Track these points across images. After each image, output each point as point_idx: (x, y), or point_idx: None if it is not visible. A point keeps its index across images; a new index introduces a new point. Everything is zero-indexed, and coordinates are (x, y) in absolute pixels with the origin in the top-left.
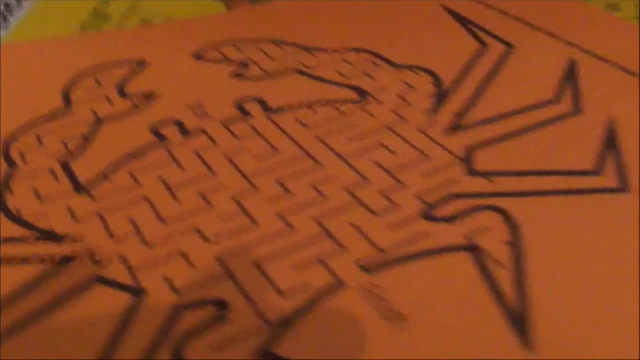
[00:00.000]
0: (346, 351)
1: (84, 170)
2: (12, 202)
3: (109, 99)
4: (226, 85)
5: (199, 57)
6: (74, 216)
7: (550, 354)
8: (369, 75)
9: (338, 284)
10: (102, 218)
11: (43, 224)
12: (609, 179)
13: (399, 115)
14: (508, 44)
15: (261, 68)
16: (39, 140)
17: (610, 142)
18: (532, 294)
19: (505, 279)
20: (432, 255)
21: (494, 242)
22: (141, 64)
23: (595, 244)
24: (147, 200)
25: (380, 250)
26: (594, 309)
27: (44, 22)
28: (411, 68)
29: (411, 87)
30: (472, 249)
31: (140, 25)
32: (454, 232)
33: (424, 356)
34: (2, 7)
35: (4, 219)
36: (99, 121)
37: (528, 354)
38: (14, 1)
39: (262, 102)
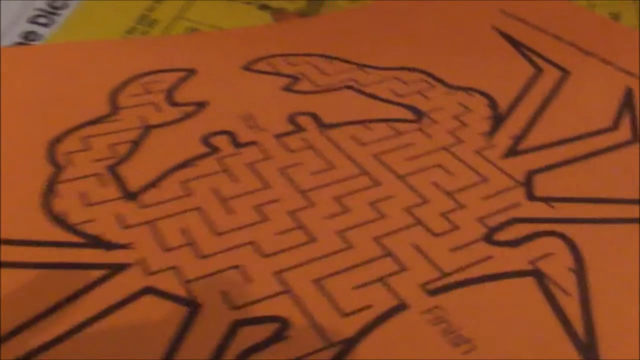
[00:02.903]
0: None
1: (132, 176)
2: (58, 205)
3: (157, 106)
4: (277, 97)
5: (248, 68)
6: (123, 223)
7: None
8: (423, 95)
9: (400, 306)
10: (152, 226)
11: (90, 229)
12: None
13: (455, 137)
14: (563, 70)
15: (312, 82)
16: (85, 144)
17: None
18: (599, 322)
19: (571, 307)
20: (496, 279)
21: (558, 268)
22: (190, 72)
23: None
24: (200, 210)
25: (442, 272)
26: None
27: (90, 24)
28: (465, 90)
29: (467, 108)
30: (537, 275)
31: (188, 32)
32: (517, 257)
33: None
34: (49, 7)
35: (49, 222)
36: (147, 128)
37: None
38: (60, 1)
39: (315, 117)
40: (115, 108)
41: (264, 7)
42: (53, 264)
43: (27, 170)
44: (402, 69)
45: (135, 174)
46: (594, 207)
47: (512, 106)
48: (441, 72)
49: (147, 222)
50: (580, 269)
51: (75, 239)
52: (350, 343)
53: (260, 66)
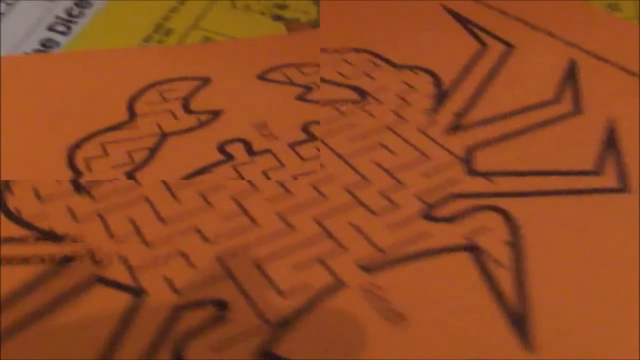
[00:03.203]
0: (346, 351)
1: (149, 182)
2: (12, 202)
3: (173, 114)
4: (291, 107)
5: (262, 77)
6: (73, 216)
7: (550, 354)
8: (368, 75)
9: (338, 284)
10: (102, 218)
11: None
12: (609, 179)
13: (399, 115)
14: (508, 44)
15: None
16: (104, 150)
17: (610, 142)
18: (532, 294)
19: (505, 279)
20: (432, 255)
21: (494, 242)
22: (205, 81)
23: (595, 244)
24: (147, 200)
25: (380, 250)
26: (594, 309)
27: (108, 33)
28: (411, 68)
29: (411, 87)
30: (472, 249)
31: (203, 41)
32: (454, 232)
33: (424, 356)
34: (66, 15)
35: None
36: (164, 135)
37: (528, 354)
38: (77, 9)
39: None
40: (133, 115)
41: (277, 18)
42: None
43: (48, 175)
44: (349, 50)
45: (153, 178)
46: (534, 180)
47: (456, 83)
48: (388, 51)
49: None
50: (516, 242)
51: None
52: (288, 321)
53: (274, 76)
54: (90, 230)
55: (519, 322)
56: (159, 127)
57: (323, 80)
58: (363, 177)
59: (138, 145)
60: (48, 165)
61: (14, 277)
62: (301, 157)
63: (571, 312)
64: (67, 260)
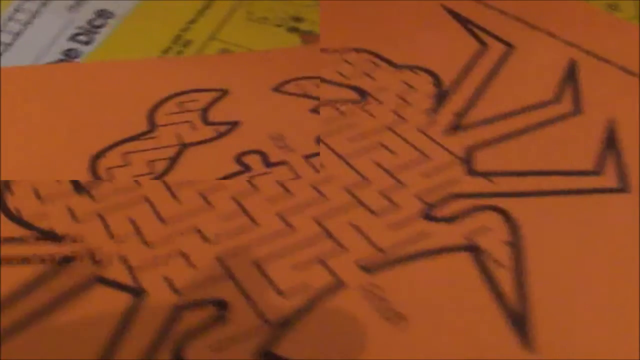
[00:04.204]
0: (346, 351)
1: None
2: (12, 202)
3: (192, 125)
4: (306, 119)
5: (277, 89)
6: (73, 217)
7: (550, 354)
8: (368, 75)
9: (338, 284)
10: (102, 218)
11: None
12: (609, 179)
13: (399, 115)
14: (508, 44)
15: None
16: (125, 160)
17: (610, 142)
18: (532, 294)
19: (505, 279)
20: (432, 255)
21: (494, 242)
22: (223, 92)
23: (595, 244)
24: (148, 200)
25: (380, 250)
26: (594, 309)
27: (128, 43)
28: (411, 68)
29: (411, 87)
30: (472, 249)
31: (221, 52)
32: (454, 232)
33: (424, 356)
34: (88, 25)
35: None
36: (183, 145)
37: (528, 354)
38: (99, 20)
39: None
40: (153, 125)
41: (293, 30)
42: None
43: None
44: (350, 50)
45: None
46: (534, 180)
47: (456, 82)
48: (388, 51)
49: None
50: (516, 242)
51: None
52: (289, 321)
53: (290, 88)
54: (90, 230)
55: (519, 322)
56: (179, 137)
57: (323, 80)
58: (363, 177)
59: (159, 155)
60: (71, 175)
61: (14, 277)
62: (316, 169)
63: (571, 312)
64: (67, 260)
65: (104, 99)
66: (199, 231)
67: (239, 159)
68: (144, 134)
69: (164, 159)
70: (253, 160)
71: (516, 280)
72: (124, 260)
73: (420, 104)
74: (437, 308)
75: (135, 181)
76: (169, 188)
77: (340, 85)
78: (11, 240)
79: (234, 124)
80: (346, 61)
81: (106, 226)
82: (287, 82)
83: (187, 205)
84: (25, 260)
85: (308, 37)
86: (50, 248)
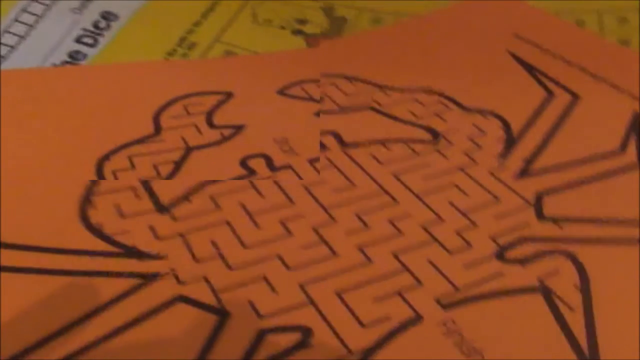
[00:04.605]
0: None
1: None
2: (94, 217)
3: (197, 128)
4: (310, 123)
5: (282, 92)
6: (156, 235)
7: None
8: (439, 116)
9: (417, 318)
10: (184, 238)
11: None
12: None
13: (470, 158)
14: (573, 94)
15: (335, 102)
16: (131, 163)
17: None
18: (601, 336)
19: (575, 322)
20: (506, 295)
21: (565, 285)
22: (228, 95)
23: None
24: (229, 224)
25: (456, 287)
26: None
27: (133, 45)
28: (480, 112)
29: (481, 130)
30: (544, 291)
31: (225, 55)
32: (526, 274)
33: None
34: (93, 27)
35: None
36: (188, 149)
37: None
38: (104, 22)
39: (337, 136)
40: (158, 128)
41: (297, 32)
42: (92, 273)
43: (78, 186)
44: (420, 90)
45: (173, 191)
46: (601, 228)
47: (525, 129)
48: (457, 94)
49: (179, 234)
50: (585, 286)
51: (112, 248)
52: (369, 352)
53: (294, 91)
54: (172, 249)
55: None
56: (184, 140)
57: (395, 118)
58: (437, 215)
59: (164, 159)
60: (78, 177)
61: (99, 290)
62: (318, 172)
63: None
64: (152, 277)
65: (110, 101)
66: (280, 258)
67: (243, 163)
68: (150, 136)
69: (169, 162)
70: (258, 164)
71: (586, 324)
72: (207, 281)
73: (491, 148)
74: (511, 345)
75: (216, 204)
76: (248, 213)
77: (411, 124)
78: (96, 253)
79: (238, 128)
80: (417, 101)
81: (188, 246)
82: (292, 85)
83: (267, 232)
84: (110, 274)
85: (312, 40)
86: (135, 264)
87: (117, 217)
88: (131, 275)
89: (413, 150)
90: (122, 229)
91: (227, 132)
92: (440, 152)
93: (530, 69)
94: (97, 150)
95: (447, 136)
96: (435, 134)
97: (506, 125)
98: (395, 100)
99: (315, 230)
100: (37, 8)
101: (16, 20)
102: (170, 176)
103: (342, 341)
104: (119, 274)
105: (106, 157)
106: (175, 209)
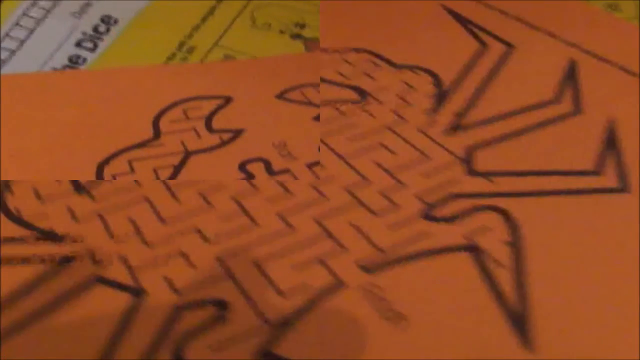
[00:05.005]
0: (346, 351)
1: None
2: (12, 202)
3: (197, 132)
4: (309, 127)
5: (281, 97)
6: (74, 216)
7: (550, 353)
8: (369, 75)
9: (338, 284)
10: (102, 218)
11: None
12: (609, 179)
13: (399, 115)
14: (508, 44)
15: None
16: (131, 167)
17: (610, 142)
18: (532, 294)
19: (505, 279)
20: (432, 255)
21: (494, 242)
22: (227, 100)
23: (595, 244)
24: (148, 200)
25: (380, 250)
26: (594, 309)
27: (132, 49)
28: (411, 68)
29: (411, 87)
30: (472, 249)
31: (224, 60)
32: (454, 232)
33: (424, 356)
34: (92, 31)
35: None
36: (187, 153)
37: (528, 353)
38: (104, 26)
39: None
40: (157, 132)
41: (296, 37)
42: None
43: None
44: (349, 50)
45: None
46: (534, 180)
47: (456, 82)
48: (388, 51)
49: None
50: (516, 242)
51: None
52: (289, 321)
53: (293, 95)
54: (90, 230)
55: (519, 322)
56: (183, 145)
57: (323, 80)
58: (363, 177)
59: (163, 163)
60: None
61: (14, 277)
62: (318, 178)
63: (571, 312)
64: (67, 260)
65: (110, 105)
66: (199, 231)
67: (242, 167)
68: (149, 141)
69: (168, 166)
70: (257, 168)
71: (516, 280)
72: (124, 260)
73: (421, 104)
74: (437, 308)
75: (135, 181)
76: (169, 188)
77: (340, 85)
78: (11, 240)
79: (237, 132)
80: (346, 61)
81: (106, 226)
82: (291, 89)
83: (187, 205)
84: (25, 260)
85: (311, 44)
86: (50, 248)
87: (35, 201)
88: (47, 259)
89: (340, 111)
90: (40, 212)
91: (226, 136)
92: (368, 112)
93: (464, 21)
94: (97, 155)
95: (375, 95)
96: (362, 94)
97: (437, 80)
98: (324, 62)
99: (235, 200)
100: (37, 12)
101: (16, 25)
102: (170, 180)
103: (259, 312)
104: (34, 259)
105: (106, 162)
106: (93, 189)
